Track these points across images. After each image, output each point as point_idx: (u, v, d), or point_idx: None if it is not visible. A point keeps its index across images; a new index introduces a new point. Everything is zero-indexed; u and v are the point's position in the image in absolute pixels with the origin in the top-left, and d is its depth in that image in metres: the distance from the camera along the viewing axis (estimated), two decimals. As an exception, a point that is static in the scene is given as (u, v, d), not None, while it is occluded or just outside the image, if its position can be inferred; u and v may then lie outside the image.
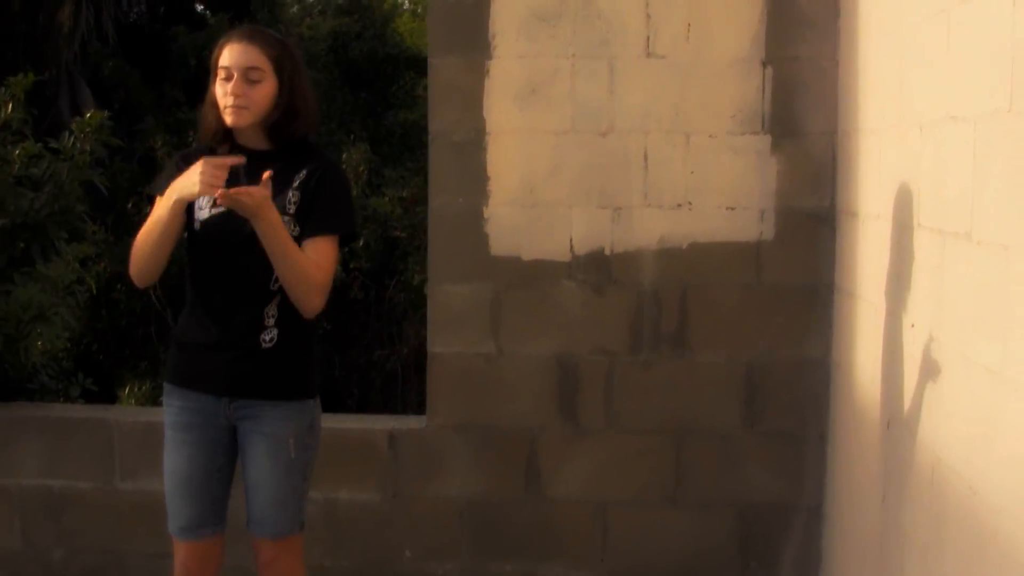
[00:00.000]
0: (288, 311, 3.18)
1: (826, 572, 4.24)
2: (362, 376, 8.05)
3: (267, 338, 3.18)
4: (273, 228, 3.05)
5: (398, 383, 7.94)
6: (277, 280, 3.14)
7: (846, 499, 4.03)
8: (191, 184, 3.02)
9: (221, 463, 3.30)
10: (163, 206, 3.11)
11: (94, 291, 4.67)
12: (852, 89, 3.94)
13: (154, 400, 6.59)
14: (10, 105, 5.08)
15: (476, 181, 4.28)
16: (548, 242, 4.28)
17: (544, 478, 4.36)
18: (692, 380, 4.29)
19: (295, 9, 13.00)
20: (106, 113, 5.09)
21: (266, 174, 3.02)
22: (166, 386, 3.32)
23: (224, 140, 3.23)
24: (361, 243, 7.86)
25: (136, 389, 6.41)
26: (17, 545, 4.55)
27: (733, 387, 4.28)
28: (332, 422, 4.62)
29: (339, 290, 7.39)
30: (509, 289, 4.31)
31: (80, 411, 4.68)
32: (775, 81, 4.18)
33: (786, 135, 4.19)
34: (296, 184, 3.19)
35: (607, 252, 4.27)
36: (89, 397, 5.53)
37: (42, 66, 9.32)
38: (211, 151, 3.23)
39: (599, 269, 4.27)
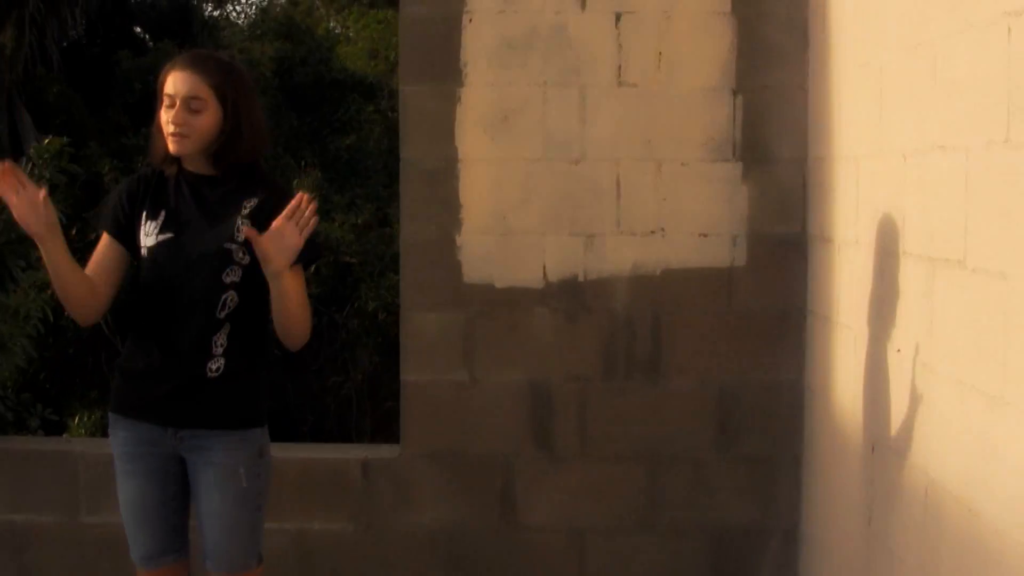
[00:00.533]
0: (237, 339, 3.14)
1: (800, 595, 4.27)
2: (315, 403, 7.98)
3: (213, 367, 3.13)
4: (297, 282, 3.07)
5: (352, 409, 7.89)
6: (224, 308, 3.11)
7: (825, 521, 4.06)
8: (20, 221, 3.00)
9: (174, 491, 3.24)
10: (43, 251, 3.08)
11: (51, 320, 4.60)
12: (824, 117, 4.00)
13: (103, 430, 6.48)
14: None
15: (448, 209, 4.27)
16: (521, 269, 4.28)
17: (519, 506, 4.35)
18: (665, 406, 4.31)
19: (229, 32, 12.94)
20: (65, 139, 5.02)
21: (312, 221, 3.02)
22: (111, 416, 3.25)
23: (172, 163, 3.19)
24: (312, 269, 7.80)
25: (86, 418, 6.30)
26: (-22, 583, 4.45)
27: (706, 412, 4.31)
28: (304, 452, 4.63)
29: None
30: (482, 316, 4.30)
31: (43, 443, 4.59)
32: (745, 109, 4.23)
33: (757, 162, 4.24)
34: (246, 212, 3.15)
35: (580, 279, 4.28)
36: (44, 427, 5.43)
37: (-18, 92, 9.19)
38: (159, 174, 3.20)
39: (572, 296, 4.28)
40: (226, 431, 3.18)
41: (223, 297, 3.11)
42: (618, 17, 4.21)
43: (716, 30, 4.21)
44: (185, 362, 3.13)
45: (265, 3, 21.84)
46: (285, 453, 4.49)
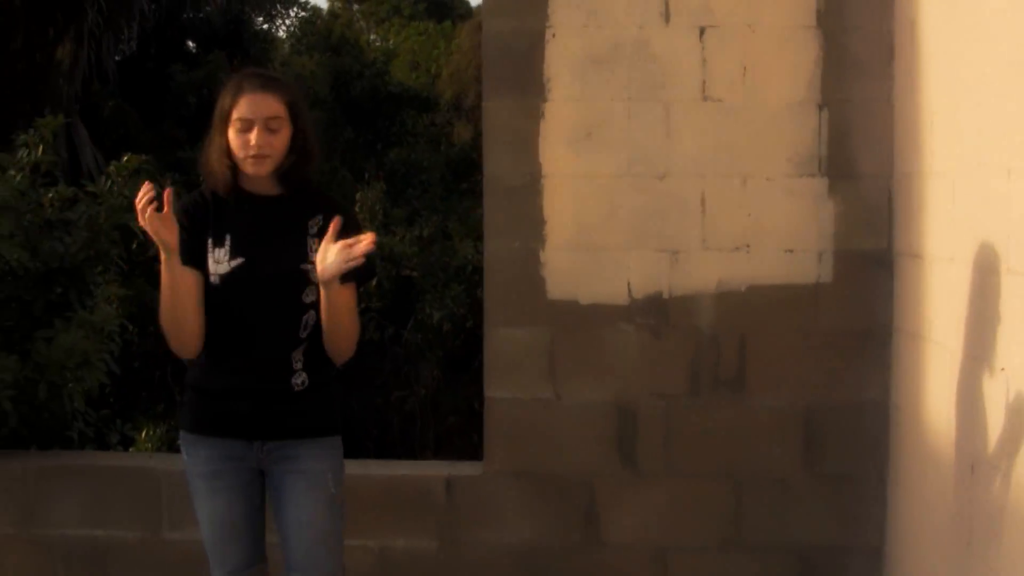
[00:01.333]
0: (314, 355, 3.18)
1: (888, 615, 4.22)
2: (379, 417, 7.98)
3: (298, 381, 3.17)
4: (348, 297, 3.10)
5: (416, 424, 7.88)
6: (305, 328, 3.14)
7: (913, 541, 4.01)
8: (162, 241, 3.02)
9: (258, 504, 3.29)
10: (163, 272, 3.09)
11: (134, 337, 4.61)
12: (914, 132, 3.95)
13: (170, 444, 6.51)
14: (40, 148, 5.02)
15: (532, 225, 4.26)
16: (605, 286, 4.26)
17: (602, 524, 4.32)
18: (750, 424, 4.27)
19: (286, 47, 13.02)
20: (144, 157, 5.04)
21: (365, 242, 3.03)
22: (188, 436, 3.26)
23: (230, 186, 3.18)
24: (374, 283, 7.82)
25: (152, 432, 6.33)
26: (61, 599, 4.46)
27: (791, 430, 4.26)
28: (386, 469, 4.62)
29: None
30: (566, 333, 4.28)
31: (126, 459, 4.61)
32: (831, 124, 4.19)
33: (842, 177, 4.20)
34: (314, 231, 3.17)
35: (665, 296, 4.25)
36: (122, 443, 5.44)
37: (41, 105, 9.23)
38: (213, 196, 3.19)
39: (657, 313, 4.25)
40: (313, 439, 3.22)
41: (304, 318, 3.14)
42: (702, 31, 4.19)
43: (801, 44, 4.18)
44: (268, 379, 3.15)
45: (309, 15, 22.02)
46: (367, 470, 4.51)
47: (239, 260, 3.11)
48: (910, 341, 4.01)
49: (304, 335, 3.14)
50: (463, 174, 9.40)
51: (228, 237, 3.14)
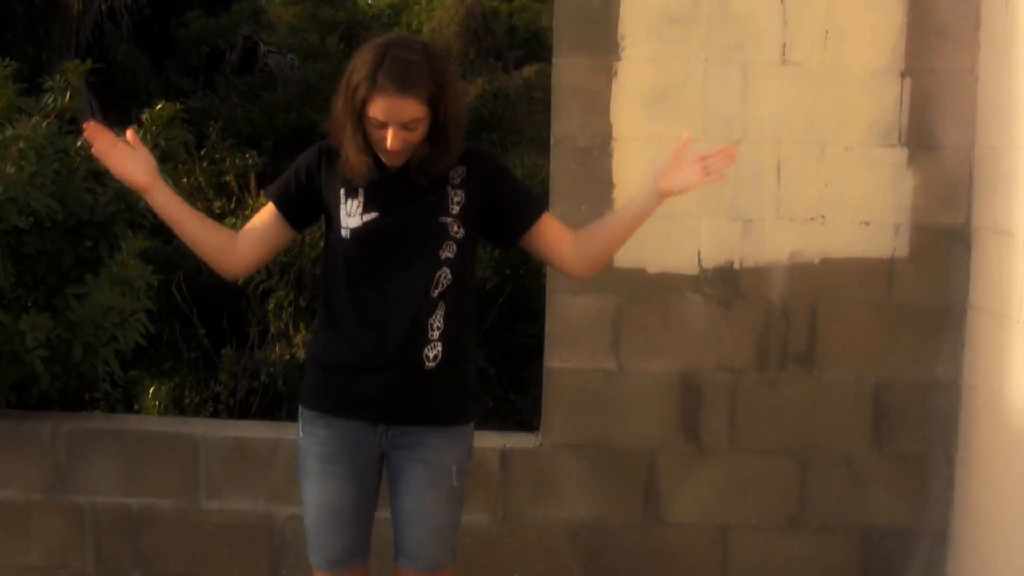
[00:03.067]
0: (450, 322, 2.95)
1: (952, 598, 4.13)
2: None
3: (431, 354, 2.93)
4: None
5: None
6: (437, 286, 2.92)
7: (983, 524, 3.91)
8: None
9: (371, 493, 3.09)
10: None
11: (166, 291, 4.38)
12: (1005, 105, 3.83)
13: (177, 404, 6.27)
14: (67, 94, 4.76)
15: (601, 188, 4.09)
16: (675, 254, 4.10)
17: (663, 500, 4.17)
18: (819, 400, 4.14)
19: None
20: (178, 105, 4.79)
21: None
22: (307, 412, 3.05)
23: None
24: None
25: (159, 390, 6.09)
26: (90, 568, 4.24)
27: (860, 408, 4.14)
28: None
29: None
30: (632, 302, 4.12)
31: (163, 424, 4.39)
32: (913, 93, 4.05)
33: (922, 149, 4.07)
34: (456, 182, 2.95)
35: (736, 266, 4.10)
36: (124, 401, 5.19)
37: (40, 49, 8.81)
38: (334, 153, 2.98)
39: (727, 283, 4.11)
40: (442, 427, 3.01)
41: (437, 275, 2.92)
42: (784, -8, 4.04)
43: (886, 8, 4.03)
44: (401, 350, 2.92)
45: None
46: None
47: (372, 214, 2.89)
48: (988, 319, 3.89)
49: (435, 294, 2.92)
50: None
51: (361, 190, 2.92)
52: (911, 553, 4.18)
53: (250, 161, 8.39)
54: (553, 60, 4.12)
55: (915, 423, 4.14)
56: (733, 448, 4.16)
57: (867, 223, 4.09)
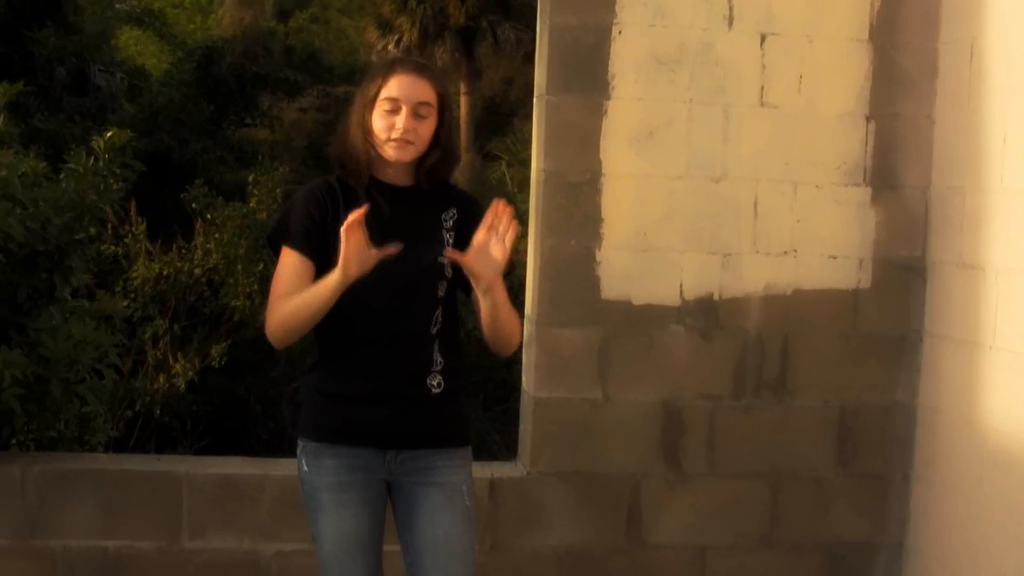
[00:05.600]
0: (448, 354, 3.05)
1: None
2: (273, 410, 7.63)
3: (434, 383, 3.02)
4: (504, 291, 2.96)
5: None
6: (435, 324, 3.02)
7: (948, 536, 4.20)
8: (349, 270, 2.83)
9: (382, 517, 3.11)
10: (323, 289, 2.88)
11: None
12: (970, 148, 4.11)
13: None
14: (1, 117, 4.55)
15: (590, 223, 4.19)
16: (659, 287, 4.25)
17: (645, 525, 4.31)
18: (789, 424, 4.36)
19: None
20: (130, 133, 4.62)
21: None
22: (311, 444, 3.06)
23: (364, 174, 3.04)
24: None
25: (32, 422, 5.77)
26: (64, 615, 4.06)
27: (827, 431, 4.39)
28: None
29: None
30: (618, 334, 4.24)
31: (143, 463, 4.22)
32: (877, 136, 4.32)
33: (884, 188, 4.34)
34: (449, 224, 3.07)
35: (715, 298, 4.28)
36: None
37: None
38: (342, 185, 3.05)
39: (707, 315, 4.28)
40: (450, 449, 3.08)
41: (436, 312, 3.02)
42: (763, 38, 4.23)
43: (854, 57, 4.29)
44: (407, 381, 3.00)
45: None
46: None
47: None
48: (956, 347, 4.18)
49: (434, 331, 3.00)
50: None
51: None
52: (872, 566, 4.45)
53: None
54: (546, 97, 4.20)
55: (876, 444, 4.41)
56: (711, 472, 4.34)
57: (834, 257, 4.34)
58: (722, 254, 4.28)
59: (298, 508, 4.06)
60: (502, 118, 25.98)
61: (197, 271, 7.55)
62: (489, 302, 2.93)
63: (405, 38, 24.73)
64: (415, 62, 3.10)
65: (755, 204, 4.28)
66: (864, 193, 4.34)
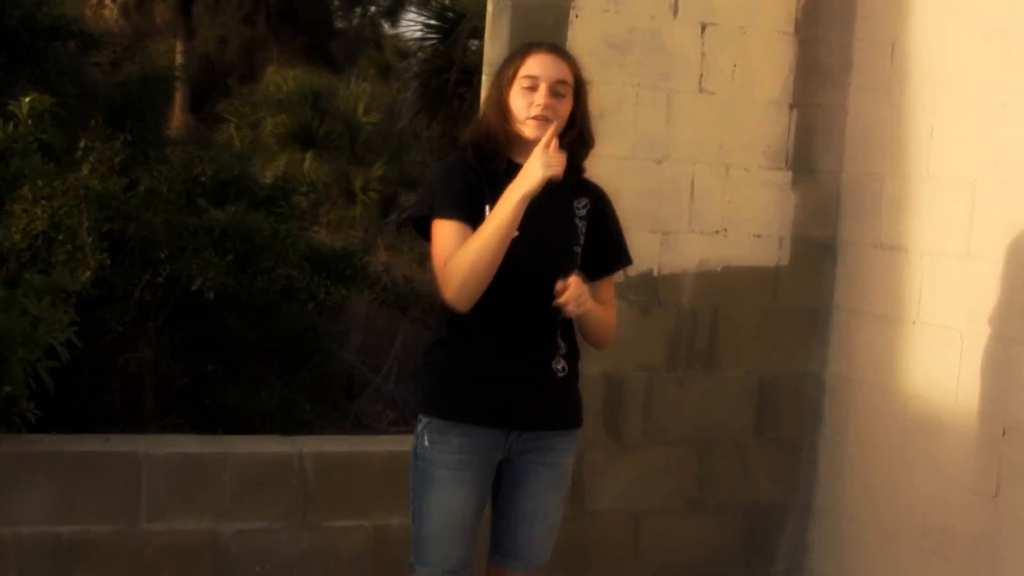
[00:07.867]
0: (569, 340, 3.20)
1: (816, 560, 4.77)
2: (103, 383, 7.25)
3: (559, 367, 3.16)
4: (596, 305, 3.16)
5: (142, 389, 7.25)
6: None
7: (852, 496, 4.57)
8: (533, 173, 2.90)
9: (488, 499, 3.23)
10: (505, 210, 2.92)
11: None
12: (890, 137, 4.46)
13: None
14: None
15: (543, 201, 4.30)
16: (605, 264, 4.40)
17: (587, 494, 4.48)
18: (716, 394, 4.62)
19: None
20: (51, 99, 4.38)
21: None
22: (437, 422, 3.12)
23: (503, 155, 3.11)
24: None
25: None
26: (12, 606, 3.86)
27: (748, 400, 4.67)
28: (388, 445, 4.45)
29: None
30: (566, 308, 4.37)
31: (99, 443, 4.03)
32: (798, 123, 4.62)
33: (803, 172, 4.65)
34: (581, 213, 3.18)
35: (655, 274, 4.48)
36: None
37: None
38: (482, 165, 3.10)
39: (647, 290, 4.47)
40: (567, 431, 3.20)
41: None
42: (703, 27, 4.45)
43: (781, 48, 4.57)
44: (536, 364, 3.10)
45: None
46: (362, 447, 4.35)
47: (515, 233, 2.96)
48: (872, 321, 4.52)
49: (560, 317, 3.08)
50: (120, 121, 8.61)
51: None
52: (784, 526, 4.78)
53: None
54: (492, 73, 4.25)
55: (791, 412, 4.74)
56: (647, 441, 4.55)
57: (759, 236, 4.62)
58: (662, 232, 4.48)
59: (260, 486, 4.08)
60: (217, 78, 25.61)
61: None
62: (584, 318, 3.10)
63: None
64: (552, 44, 3.24)
65: (692, 185, 4.50)
66: (785, 177, 4.64)
